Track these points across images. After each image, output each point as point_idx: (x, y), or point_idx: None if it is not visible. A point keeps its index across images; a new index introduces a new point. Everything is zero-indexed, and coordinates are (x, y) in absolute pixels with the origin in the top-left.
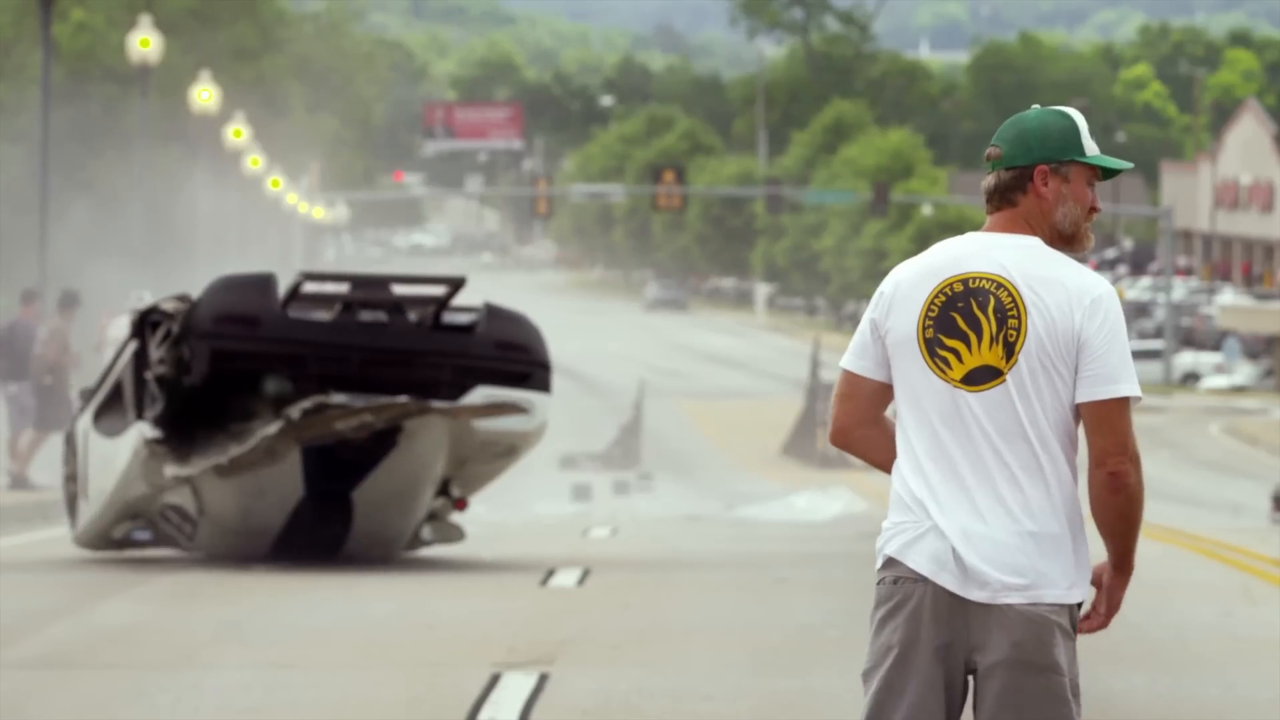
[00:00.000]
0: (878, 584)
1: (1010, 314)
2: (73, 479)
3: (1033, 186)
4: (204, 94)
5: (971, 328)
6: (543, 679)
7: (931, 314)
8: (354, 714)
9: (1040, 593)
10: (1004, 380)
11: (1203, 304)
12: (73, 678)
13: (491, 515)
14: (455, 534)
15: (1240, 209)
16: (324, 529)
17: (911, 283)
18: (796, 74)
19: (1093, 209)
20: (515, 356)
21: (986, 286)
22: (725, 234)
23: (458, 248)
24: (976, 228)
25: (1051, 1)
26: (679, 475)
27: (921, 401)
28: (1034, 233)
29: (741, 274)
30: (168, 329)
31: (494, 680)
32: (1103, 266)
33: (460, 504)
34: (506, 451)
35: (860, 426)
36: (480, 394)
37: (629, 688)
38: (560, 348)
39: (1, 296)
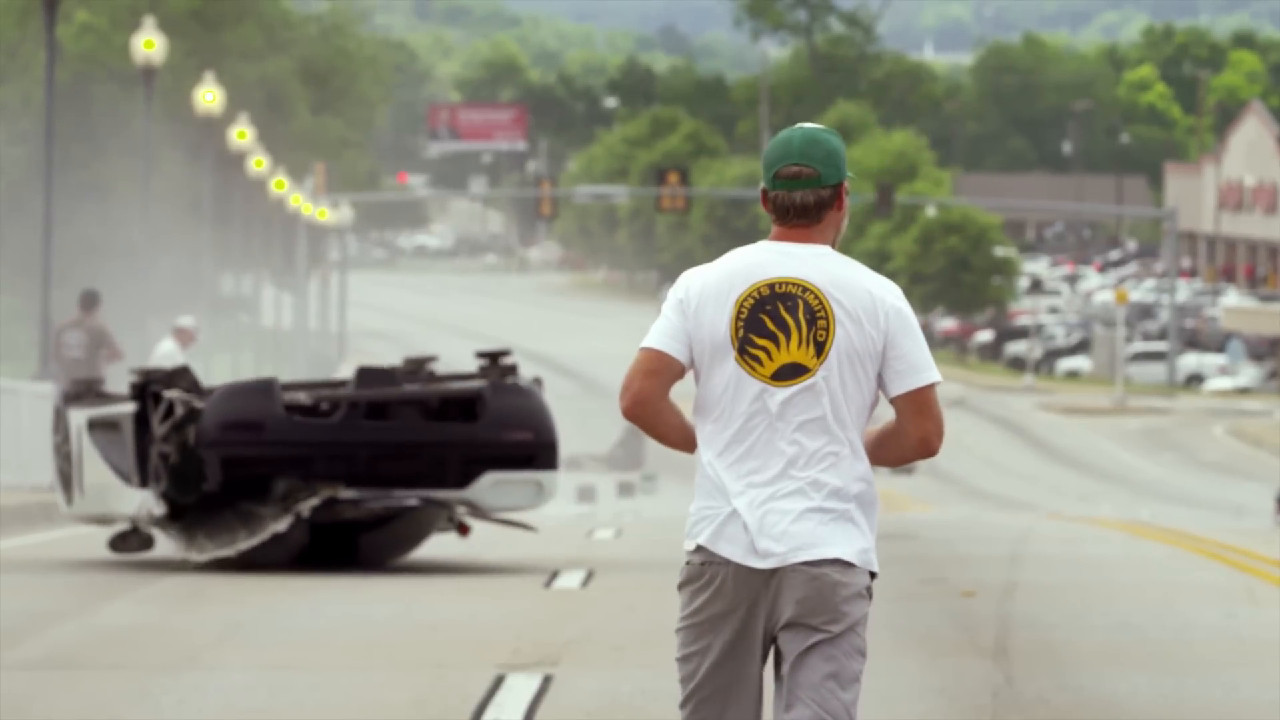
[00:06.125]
0: (686, 563)
1: (819, 316)
2: (66, 459)
3: (838, 201)
4: (208, 95)
5: (780, 329)
6: (547, 680)
7: (742, 316)
8: (358, 715)
9: (823, 551)
10: (812, 375)
11: (1207, 306)
12: (76, 679)
13: None
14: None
15: (1244, 210)
16: (328, 560)
17: (716, 289)
18: (800, 75)
19: None
20: (521, 440)
21: (793, 291)
22: (729, 235)
23: (461, 249)
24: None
25: (1055, 3)
26: (682, 476)
27: (732, 396)
28: (824, 243)
29: None
30: (170, 406)
31: (498, 682)
32: (1107, 268)
33: (464, 529)
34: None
35: (661, 400)
36: (489, 479)
37: (633, 689)
38: (564, 349)
39: (2, 296)
